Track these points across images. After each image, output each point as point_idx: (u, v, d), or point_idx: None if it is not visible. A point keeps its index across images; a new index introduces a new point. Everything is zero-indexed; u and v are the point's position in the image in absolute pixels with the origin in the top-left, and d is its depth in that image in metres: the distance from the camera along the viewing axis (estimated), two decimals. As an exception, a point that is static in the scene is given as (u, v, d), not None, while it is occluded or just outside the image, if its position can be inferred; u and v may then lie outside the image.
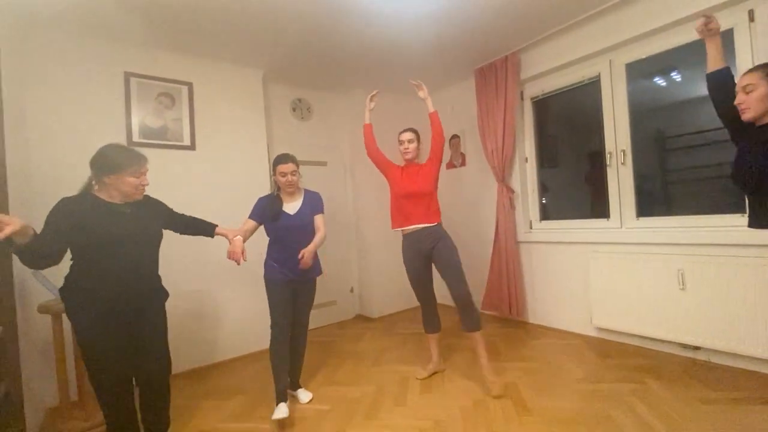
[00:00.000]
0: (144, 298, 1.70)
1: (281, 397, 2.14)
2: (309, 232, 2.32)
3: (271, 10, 2.48)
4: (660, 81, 2.85)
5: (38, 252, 1.36)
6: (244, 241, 2.08)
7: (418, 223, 2.43)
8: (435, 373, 2.57)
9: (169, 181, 2.89)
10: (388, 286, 4.13)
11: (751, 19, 2.26)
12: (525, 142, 3.57)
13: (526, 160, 3.58)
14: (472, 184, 3.94)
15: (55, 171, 2.45)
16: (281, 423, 2.06)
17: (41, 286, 2.07)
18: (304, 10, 2.51)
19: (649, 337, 2.64)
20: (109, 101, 2.73)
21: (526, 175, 3.58)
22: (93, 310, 1.54)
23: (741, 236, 2.25)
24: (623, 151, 2.87)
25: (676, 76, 2.79)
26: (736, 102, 1.47)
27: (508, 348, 2.95)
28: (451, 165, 4.22)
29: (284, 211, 2.28)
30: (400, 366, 2.77)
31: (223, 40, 2.86)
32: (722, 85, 1.57)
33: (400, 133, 2.57)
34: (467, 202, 3.98)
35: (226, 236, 2.05)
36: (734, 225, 2.36)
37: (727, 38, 2.28)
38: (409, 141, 2.52)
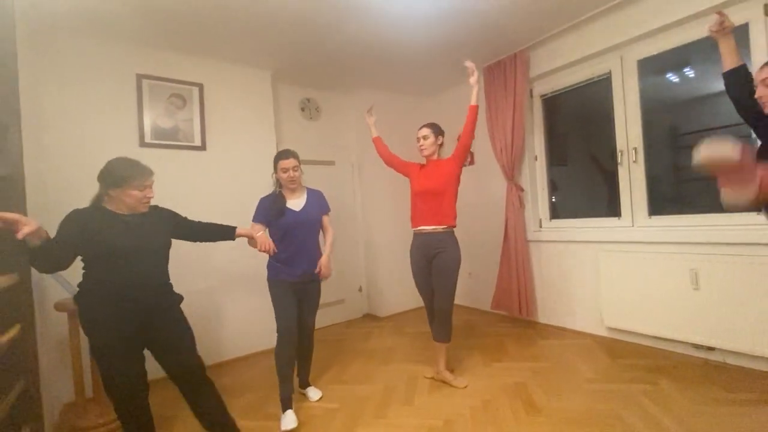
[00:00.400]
0: (155, 306, 1.71)
1: (287, 404, 2.12)
2: (315, 230, 2.32)
3: (279, 11, 2.49)
4: (673, 77, 2.81)
5: (48, 257, 1.40)
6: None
7: (427, 225, 2.40)
8: (443, 382, 2.49)
9: (180, 181, 2.94)
10: (396, 285, 4.14)
11: (766, 13, 2.21)
12: (534, 140, 3.54)
13: (536, 158, 3.55)
14: (481, 183, 3.92)
15: (70, 175, 2.50)
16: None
17: (58, 284, 2.12)
18: (311, 10, 2.52)
19: (662, 338, 2.60)
20: (122, 103, 2.77)
21: (535, 173, 3.56)
22: (103, 315, 1.56)
23: (756, 235, 2.21)
24: (635, 148, 2.83)
25: (689, 72, 2.74)
26: (756, 95, 1.44)
27: (518, 348, 2.93)
28: (459, 164, 4.19)
29: (289, 208, 2.24)
30: (408, 365, 2.77)
31: (233, 42, 2.89)
32: (740, 82, 1.55)
33: (418, 129, 2.55)
34: (476, 201, 3.96)
35: (248, 235, 2.06)
36: (750, 224, 2.32)
37: (742, 33, 2.24)
38: (424, 137, 2.49)
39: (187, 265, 2.85)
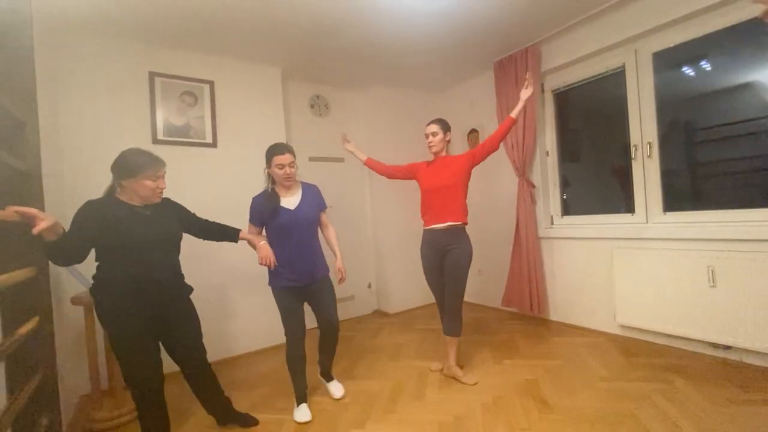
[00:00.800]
0: (170, 297, 1.75)
1: (302, 400, 2.16)
2: (312, 229, 2.18)
3: (289, 8, 2.50)
4: (688, 70, 2.74)
5: (64, 250, 1.42)
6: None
7: (438, 222, 2.39)
8: (453, 377, 2.49)
9: (192, 178, 2.97)
10: (406, 282, 4.14)
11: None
12: (546, 136, 3.50)
13: (547, 154, 3.51)
14: (492, 179, 3.88)
15: (86, 171, 2.55)
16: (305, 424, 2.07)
17: (74, 279, 2.16)
18: (321, 7, 2.52)
19: (677, 336, 2.56)
20: (135, 101, 2.81)
21: (547, 169, 3.51)
22: (120, 306, 1.59)
23: (776, 231, 2.15)
24: (649, 143, 2.78)
25: (705, 65, 2.68)
26: None
27: (529, 345, 2.91)
28: (469, 160, 4.16)
29: (283, 207, 2.09)
30: (418, 361, 2.77)
31: (243, 39, 2.90)
32: None
33: (426, 125, 2.52)
34: (486, 198, 3.94)
35: (250, 242, 2.05)
36: (769, 220, 2.26)
37: None
38: (433, 134, 2.45)
39: (200, 260, 2.89)
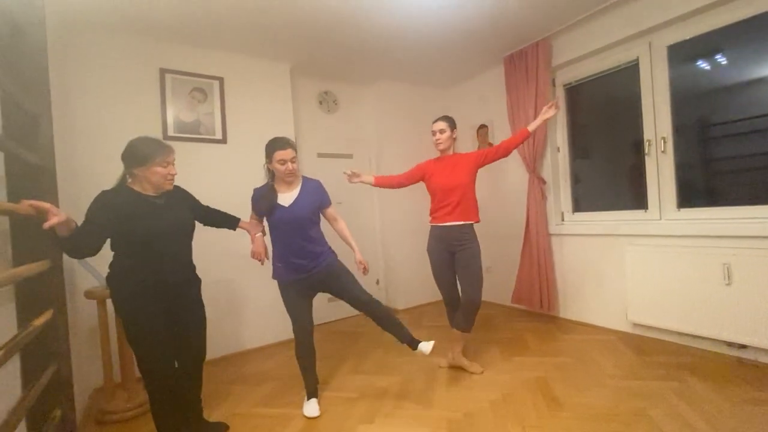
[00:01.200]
0: (183, 287, 1.77)
1: (312, 394, 2.17)
2: (307, 226, 2.08)
3: (297, 3, 2.49)
4: (704, 64, 2.68)
5: (77, 244, 1.43)
6: (263, 233, 2.09)
7: (451, 221, 2.37)
8: (460, 368, 2.51)
9: (202, 174, 2.98)
10: (414, 278, 4.13)
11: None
12: (557, 131, 3.45)
13: (558, 149, 3.46)
14: (501, 175, 3.85)
15: (98, 166, 2.57)
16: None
17: (88, 272, 2.19)
18: (329, 3, 2.51)
19: (691, 334, 2.51)
20: (146, 97, 2.84)
21: (557, 165, 3.47)
22: (137, 298, 1.61)
23: (796, 228, 2.10)
24: (663, 138, 2.73)
25: (721, 59, 2.62)
26: None
27: (539, 342, 2.88)
28: (478, 156, 4.13)
29: (278, 203, 2.05)
30: (426, 357, 2.71)
31: (252, 35, 2.91)
32: None
33: (433, 122, 2.49)
34: (496, 194, 3.90)
35: (248, 232, 2.06)
36: (788, 216, 2.21)
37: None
38: (441, 131, 2.43)
39: (210, 255, 2.89)
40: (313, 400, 2.14)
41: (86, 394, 2.39)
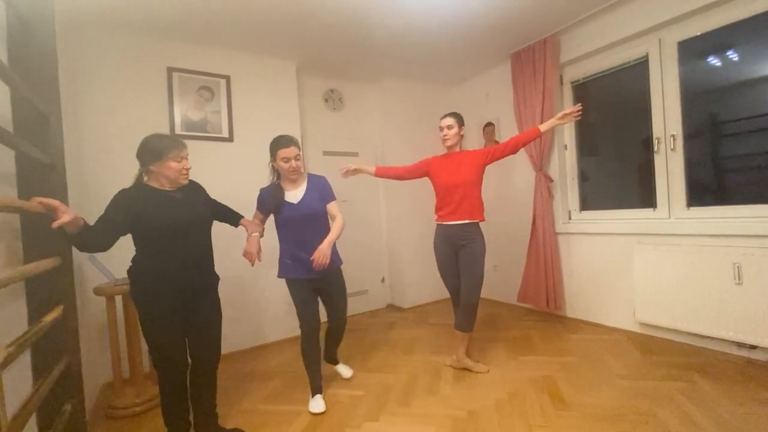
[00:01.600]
0: (202, 282, 1.79)
1: (317, 391, 2.18)
2: (318, 222, 2.12)
3: (303, 1, 2.49)
4: (715, 60, 2.64)
5: (86, 240, 1.45)
6: (261, 234, 2.09)
7: (455, 219, 2.36)
8: (465, 369, 2.49)
9: (208, 172, 2.98)
10: (419, 276, 4.12)
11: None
12: (564, 129, 3.42)
13: (566, 147, 3.43)
14: (508, 173, 3.83)
15: (106, 164, 2.63)
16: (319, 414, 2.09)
17: (97, 270, 2.21)
18: (334, 0, 2.50)
19: (699, 335, 2.48)
20: (153, 96, 2.86)
21: (565, 163, 3.44)
22: (155, 289, 1.63)
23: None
24: (673, 136, 2.69)
25: (732, 55, 2.57)
26: None
27: (545, 342, 2.87)
28: (484, 154, 4.11)
29: (286, 201, 2.07)
30: (432, 356, 2.76)
31: (259, 33, 2.91)
32: None
33: (441, 118, 2.47)
34: (502, 192, 3.88)
35: (246, 229, 2.06)
36: (801, 215, 2.17)
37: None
38: (449, 127, 2.41)
39: (219, 251, 2.92)
40: (319, 396, 2.16)
41: (95, 390, 2.42)
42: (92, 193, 2.49)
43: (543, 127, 2.37)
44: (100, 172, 2.60)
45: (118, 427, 2.10)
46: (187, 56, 2.98)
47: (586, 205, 3.38)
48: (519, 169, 3.66)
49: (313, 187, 2.14)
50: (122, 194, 1.60)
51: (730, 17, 2.38)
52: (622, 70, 3.00)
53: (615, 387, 2.13)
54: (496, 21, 2.94)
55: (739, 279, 2.27)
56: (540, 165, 3.31)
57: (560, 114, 2.34)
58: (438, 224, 2.49)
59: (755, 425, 1.70)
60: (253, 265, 2.03)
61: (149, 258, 1.64)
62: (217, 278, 1.90)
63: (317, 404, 2.11)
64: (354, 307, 3.96)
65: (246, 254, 2.00)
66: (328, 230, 2.17)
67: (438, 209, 2.48)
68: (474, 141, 4.15)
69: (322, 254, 1.99)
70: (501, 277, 3.94)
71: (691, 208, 2.65)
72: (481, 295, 2.42)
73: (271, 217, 2.19)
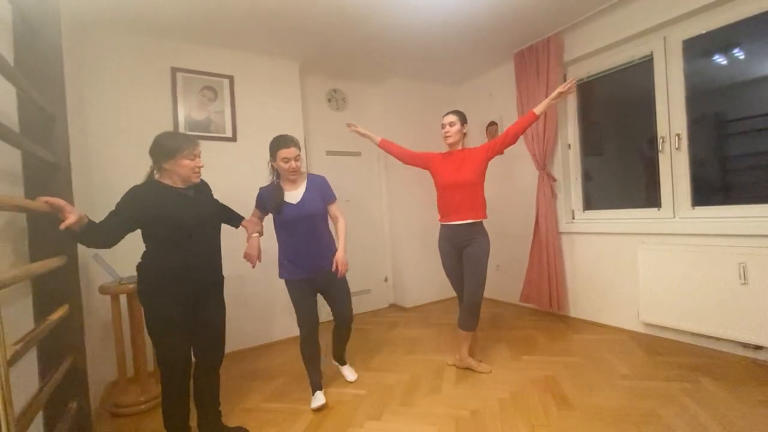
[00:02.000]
0: (211, 280, 1.80)
1: (316, 388, 2.19)
2: (317, 223, 2.11)
3: (306, 1, 2.49)
4: (720, 59, 2.62)
5: (92, 238, 1.45)
6: (260, 233, 2.09)
7: (458, 219, 2.36)
8: (467, 368, 2.49)
9: (212, 172, 2.99)
10: (422, 276, 4.13)
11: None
12: (568, 128, 3.41)
13: (569, 146, 3.42)
14: (511, 173, 3.82)
15: (110, 164, 2.64)
16: (320, 407, 2.11)
17: (102, 269, 2.23)
18: (337, 0, 2.50)
19: (704, 335, 2.47)
20: (157, 96, 2.87)
21: (568, 162, 3.43)
22: (161, 286, 1.63)
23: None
24: (678, 135, 2.67)
25: (738, 54, 2.55)
26: None
27: (548, 341, 2.86)
28: (488, 154, 4.10)
29: (286, 201, 2.06)
30: (434, 355, 2.76)
31: (262, 33, 2.92)
32: None
33: (444, 115, 2.47)
34: (505, 192, 3.87)
35: (246, 230, 2.04)
36: (807, 214, 2.15)
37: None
38: (450, 123, 2.40)
39: (231, 249, 2.92)
40: (318, 392, 2.17)
41: (100, 388, 2.44)
42: (97, 192, 2.52)
43: (538, 110, 2.31)
44: (105, 171, 2.62)
45: (123, 425, 2.11)
46: (190, 56, 2.99)
47: (589, 204, 3.37)
48: (522, 168, 3.65)
49: (313, 187, 2.14)
50: (135, 190, 1.60)
51: (735, 15, 2.37)
52: (626, 69, 2.99)
53: (618, 387, 2.12)
54: (500, 20, 2.93)
55: (744, 279, 2.25)
56: (543, 164, 3.30)
57: (554, 93, 2.26)
58: (442, 225, 2.49)
59: (761, 426, 1.69)
60: (254, 266, 2.03)
61: (160, 254, 1.64)
62: (222, 278, 1.90)
63: (317, 399, 2.12)
64: (357, 306, 3.93)
65: (246, 256, 2.00)
66: (326, 230, 2.18)
67: (440, 209, 2.48)
68: (477, 141, 4.13)
69: (342, 263, 2.10)
70: (504, 277, 3.93)
71: (696, 208, 2.63)
72: (484, 295, 2.42)
73: (270, 218, 2.19)
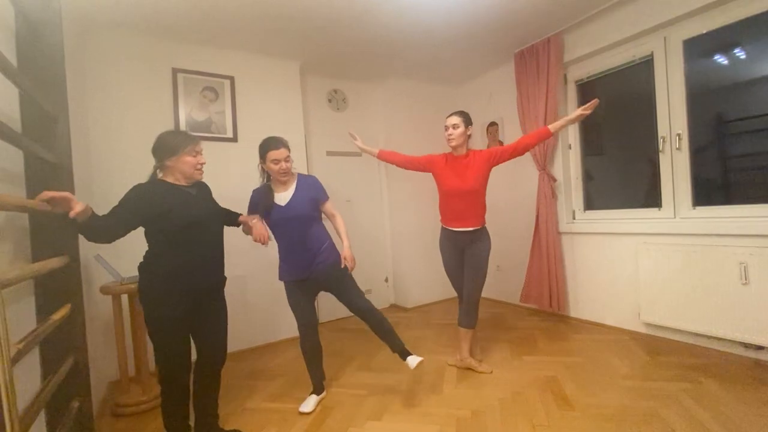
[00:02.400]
0: (213, 279, 1.79)
1: (317, 390, 2.21)
2: (306, 224, 2.08)
3: (307, 1, 2.50)
4: (721, 59, 2.62)
5: (95, 230, 1.43)
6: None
7: (460, 226, 2.35)
8: (468, 368, 2.49)
9: (213, 172, 3.00)
10: (422, 276, 4.13)
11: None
12: (568, 128, 3.40)
13: (570, 147, 3.42)
14: (511, 173, 3.81)
15: (112, 164, 2.65)
16: (306, 413, 2.10)
17: (104, 269, 2.24)
18: (338, 1, 2.51)
19: (705, 335, 2.47)
20: (158, 96, 2.88)
21: (569, 162, 3.43)
22: (163, 286, 1.62)
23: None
24: (678, 135, 2.67)
25: (739, 53, 2.55)
26: None
27: (548, 342, 2.86)
28: (488, 154, 4.10)
29: (276, 203, 2.06)
30: (435, 356, 2.76)
31: (262, 34, 2.93)
32: None
33: (447, 117, 2.39)
34: (505, 192, 3.87)
35: (246, 222, 2.02)
36: (808, 214, 2.15)
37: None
38: (454, 126, 2.31)
39: (233, 249, 2.92)
40: (313, 396, 2.17)
41: (102, 387, 2.44)
42: (98, 191, 2.53)
43: (553, 128, 2.23)
44: (107, 171, 2.63)
45: (125, 424, 2.12)
46: (191, 57, 3.00)
47: (590, 204, 3.37)
48: (522, 169, 3.65)
49: (302, 189, 2.11)
50: (139, 188, 1.60)
51: (736, 15, 2.37)
52: (626, 69, 2.99)
53: (619, 387, 2.12)
54: (500, 20, 2.94)
55: (745, 279, 2.25)
56: (544, 165, 3.30)
57: (575, 114, 2.17)
58: (443, 228, 2.48)
59: (762, 427, 1.69)
60: (266, 245, 1.96)
61: (163, 254, 1.63)
62: (224, 279, 1.90)
63: (307, 403, 2.13)
64: (358, 306, 3.97)
65: (257, 237, 1.93)
66: (319, 230, 2.14)
67: (443, 214, 2.45)
68: (477, 141, 4.14)
69: (350, 258, 2.13)
70: (504, 277, 3.93)
71: (697, 208, 2.63)
72: (485, 295, 2.43)
73: None
